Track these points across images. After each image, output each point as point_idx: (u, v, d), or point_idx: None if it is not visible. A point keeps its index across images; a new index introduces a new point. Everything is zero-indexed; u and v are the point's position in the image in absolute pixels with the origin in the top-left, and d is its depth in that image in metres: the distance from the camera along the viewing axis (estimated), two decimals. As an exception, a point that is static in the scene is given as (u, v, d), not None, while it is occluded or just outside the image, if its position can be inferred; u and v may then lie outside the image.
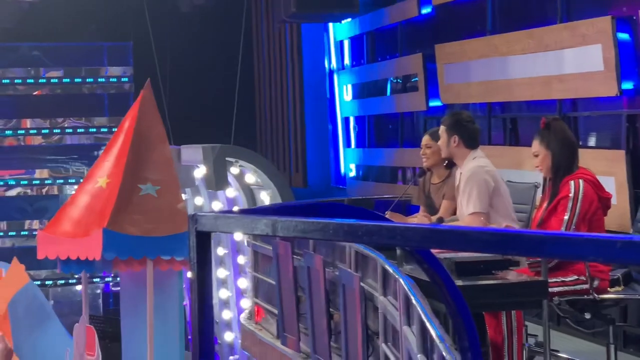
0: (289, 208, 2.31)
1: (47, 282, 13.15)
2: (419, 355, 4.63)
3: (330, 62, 14.14)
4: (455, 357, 3.69)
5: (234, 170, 11.00)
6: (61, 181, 14.09)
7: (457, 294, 2.26)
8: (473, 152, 6.66)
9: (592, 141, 8.36)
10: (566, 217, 5.95)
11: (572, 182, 5.99)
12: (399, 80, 12.13)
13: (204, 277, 1.98)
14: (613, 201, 7.21)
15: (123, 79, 14.23)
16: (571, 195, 5.96)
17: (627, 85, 7.57)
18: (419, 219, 6.88)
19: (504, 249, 1.39)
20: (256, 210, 2.52)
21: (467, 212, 6.49)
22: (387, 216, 6.74)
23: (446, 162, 7.20)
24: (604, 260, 1.33)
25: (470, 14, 10.09)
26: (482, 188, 6.47)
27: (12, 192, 14.01)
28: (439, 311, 4.63)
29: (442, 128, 6.78)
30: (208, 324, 1.94)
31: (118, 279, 9.78)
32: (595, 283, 5.96)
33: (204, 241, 1.98)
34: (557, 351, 6.75)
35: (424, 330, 4.57)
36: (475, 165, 6.58)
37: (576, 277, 5.95)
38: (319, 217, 1.76)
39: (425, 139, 7.39)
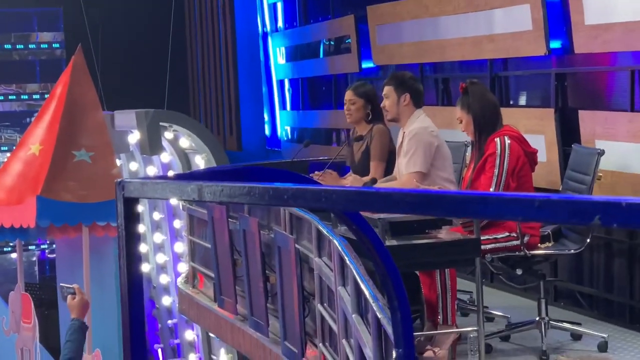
0: (217, 173, 2.30)
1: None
2: (353, 315, 4.66)
3: (263, 25, 14.08)
4: (388, 316, 3.72)
5: (168, 134, 10.95)
6: (-8, 149, 13.94)
7: (386, 255, 2.28)
8: (418, 111, 6.68)
9: (522, 100, 8.43)
10: (495, 173, 6.00)
11: (497, 140, 6.04)
12: (331, 42, 12.12)
13: (132, 243, 1.97)
14: (542, 158, 7.30)
15: (54, 45, 14.07)
16: (497, 152, 6.01)
17: (555, 45, 7.63)
18: (350, 180, 6.88)
19: (427, 210, 1.40)
20: (184, 176, 2.51)
21: (406, 170, 6.49)
22: (319, 177, 6.74)
23: (369, 117, 7.19)
24: (523, 219, 1.34)
25: (401, -25, 10.09)
26: (426, 147, 6.48)
27: (-57, 161, 13.82)
28: (373, 270, 4.66)
29: (389, 88, 6.73)
30: (137, 291, 1.93)
31: (54, 246, 9.71)
32: (526, 239, 6.03)
33: (131, 207, 1.97)
34: (489, 307, 6.83)
35: (358, 291, 4.60)
36: (420, 126, 6.58)
37: (507, 233, 6.01)
38: (245, 182, 1.75)
39: (348, 94, 7.28)
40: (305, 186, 1.59)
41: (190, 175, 2.47)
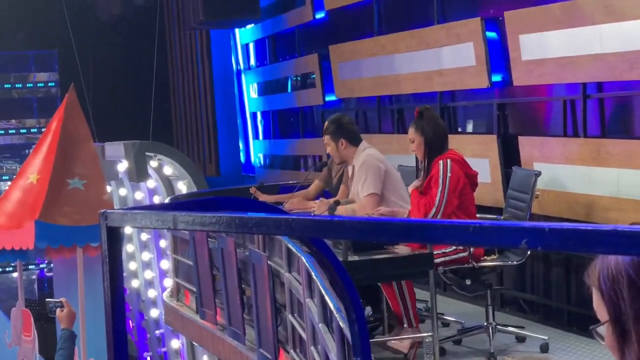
0: (190, 203, 2.30)
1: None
2: (320, 325, 4.65)
3: (237, 63, 14.08)
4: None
5: (153, 163, 10.92)
6: (-6, 178, 13.86)
7: (344, 272, 2.28)
8: (361, 145, 6.70)
9: (469, 127, 8.47)
10: (438, 191, 6.01)
11: (440, 162, 6.06)
12: (298, 78, 12.14)
13: (115, 269, 1.96)
14: (487, 179, 7.34)
15: (50, 84, 14.01)
16: (440, 172, 6.02)
17: (497, 78, 7.68)
18: (317, 203, 6.88)
19: (375, 237, 1.41)
20: (161, 207, 2.50)
21: (362, 194, 6.51)
22: (286, 206, 6.79)
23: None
24: (459, 243, 1.35)
25: (359, 17, 10.12)
26: (375, 171, 6.50)
27: (-51, 190, 13.72)
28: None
29: (327, 137, 6.73)
30: (120, 313, 1.92)
31: (51, 265, 9.65)
32: (471, 251, 6.05)
33: (114, 235, 1.96)
34: (444, 314, 6.84)
35: (323, 303, 4.59)
36: (366, 154, 6.61)
37: (454, 247, 6.02)
38: (217, 211, 1.76)
39: (326, 127, 7.32)
40: (267, 215, 1.60)
41: (167, 206, 2.47)
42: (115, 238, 1.96)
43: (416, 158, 6.46)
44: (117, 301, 1.98)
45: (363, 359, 2.31)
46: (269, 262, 5.76)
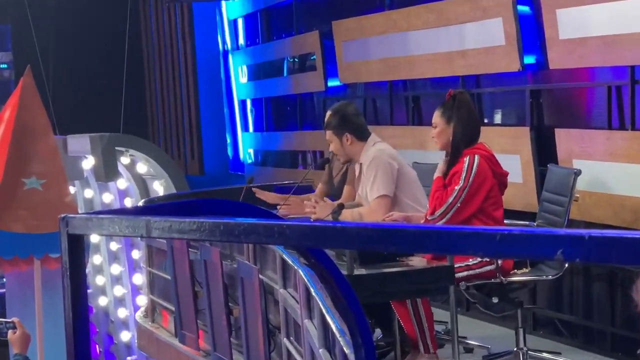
0: (167, 206, 2.30)
1: None
2: (320, 350, 4.66)
3: (224, 43, 14.10)
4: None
5: (125, 160, 10.94)
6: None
7: (348, 288, 2.28)
8: (369, 140, 6.70)
9: (496, 118, 8.47)
10: (456, 189, 6.02)
11: (467, 158, 6.07)
12: (296, 59, 12.14)
13: (78, 284, 1.96)
14: (518, 179, 7.34)
15: (2, 65, 14.05)
16: (465, 169, 6.03)
17: (530, 60, 7.68)
18: (320, 206, 6.86)
19: (383, 245, 1.41)
20: (132, 211, 2.51)
21: (371, 197, 6.51)
22: (281, 210, 6.78)
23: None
24: (484, 254, 1.35)
25: (367, -11, 10.16)
26: (386, 171, 6.51)
27: None
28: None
29: (329, 133, 6.73)
30: (83, 335, 1.92)
31: (4, 280, 9.64)
32: (499, 263, 6.05)
33: (76, 244, 1.97)
34: (466, 338, 6.84)
35: (324, 324, 4.60)
36: (375, 149, 6.61)
37: (480, 259, 6.02)
38: (196, 216, 1.76)
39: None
40: (257, 221, 1.60)
41: (139, 210, 2.48)
42: (78, 247, 1.96)
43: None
44: (81, 321, 1.99)
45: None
46: (260, 276, 5.77)
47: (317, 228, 1.54)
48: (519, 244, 1.27)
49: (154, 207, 2.47)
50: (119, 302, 11.73)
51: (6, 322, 6.16)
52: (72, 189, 9.85)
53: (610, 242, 1.20)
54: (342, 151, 6.73)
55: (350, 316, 2.29)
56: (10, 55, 13.95)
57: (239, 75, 13.76)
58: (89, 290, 10.75)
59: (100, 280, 11.57)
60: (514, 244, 1.27)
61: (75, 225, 1.94)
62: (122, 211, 2.59)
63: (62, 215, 1.95)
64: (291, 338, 5.53)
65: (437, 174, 6.24)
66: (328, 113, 6.93)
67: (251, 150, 13.75)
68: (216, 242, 6.35)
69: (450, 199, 6.01)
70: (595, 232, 1.21)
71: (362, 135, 6.72)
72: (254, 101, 13.64)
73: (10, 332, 6.09)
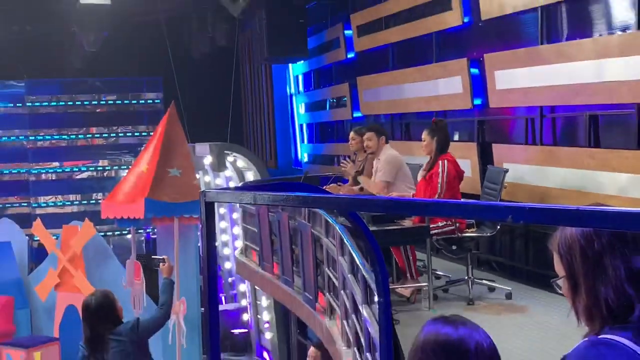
0: (264, 186, 2.30)
1: (107, 233, 13.00)
2: (349, 275, 4.65)
3: (290, 89, 14.08)
4: (372, 276, 3.71)
5: (230, 158, 10.97)
6: (116, 167, 13.96)
7: (372, 237, 2.28)
8: (386, 146, 6.76)
9: (456, 137, 8.40)
10: (439, 184, 5.99)
11: (440, 162, 6.02)
12: (334, 100, 12.11)
13: (210, 232, 1.97)
14: (468, 174, 7.28)
15: (156, 101, 14.09)
16: (440, 171, 6.00)
17: (477, 101, 7.62)
18: (347, 189, 6.89)
19: (400, 211, 1.41)
20: (243, 188, 2.51)
21: (378, 178, 6.56)
22: (326, 188, 6.77)
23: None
24: (460, 216, 1.35)
25: (378, 58, 10.08)
26: (392, 166, 6.53)
27: (84, 175, 13.89)
28: (363, 247, 4.65)
29: (371, 134, 6.75)
30: (213, 265, 1.93)
31: (155, 230, 9.68)
32: (457, 225, 6.01)
33: (210, 208, 1.97)
34: (436, 270, 6.81)
35: (352, 259, 4.59)
36: (390, 153, 6.66)
37: (445, 222, 5.99)
38: (283, 192, 1.76)
39: (351, 134, 7.41)
40: (320, 195, 1.60)
41: (247, 188, 2.48)
42: (211, 210, 1.97)
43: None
44: (212, 256, 1.99)
45: (384, 299, 2.31)
46: (312, 230, 5.77)
47: (358, 200, 1.54)
48: (486, 212, 1.26)
49: (253, 187, 2.48)
50: (224, 244, 11.76)
51: (158, 258, 6.17)
52: (197, 176, 9.87)
53: (540, 211, 1.20)
54: (376, 145, 6.74)
55: (372, 253, 2.29)
56: (161, 95, 13.98)
57: (300, 109, 13.73)
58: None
59: (213, 231, 11.58)
60: (482, 211, 1.26)
61: (209, 196, 1.94)
62: (236, 188, 2.59)
63: (202, 190, 1.95)
64: (330, 268, 5.53)
65: (420, 177, 6.22)
66: (371, 125, 7.16)
67: (306, 154, 13.72)
68: (291, 207, 6.35)
69: (438, 190, 5.98)
70: (533, 204, 1.20)
71: (387, 140, 6.79)
72: (308, 125, 13.61)
73: (161, 264, 6.11)
